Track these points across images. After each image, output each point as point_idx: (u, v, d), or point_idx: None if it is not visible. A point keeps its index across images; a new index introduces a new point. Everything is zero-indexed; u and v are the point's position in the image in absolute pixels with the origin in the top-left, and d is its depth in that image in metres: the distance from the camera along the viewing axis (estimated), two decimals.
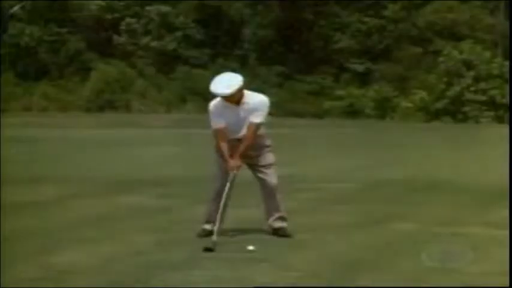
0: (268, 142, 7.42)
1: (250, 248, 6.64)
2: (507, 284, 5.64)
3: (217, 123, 7.22)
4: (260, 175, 7.35)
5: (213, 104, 7.27)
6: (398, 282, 5.66)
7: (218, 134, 7.24)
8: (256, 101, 7.22)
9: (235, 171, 7.20)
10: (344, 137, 28.99)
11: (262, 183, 7.35)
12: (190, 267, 6.02)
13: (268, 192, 7.35)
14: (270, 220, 7.39)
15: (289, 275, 5.80)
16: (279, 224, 7.36)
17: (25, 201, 9.85)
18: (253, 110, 7.15)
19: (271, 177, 7.34)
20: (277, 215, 7.36)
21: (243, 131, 7.23)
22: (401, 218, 8.64)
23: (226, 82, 7.07)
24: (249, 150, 7.22)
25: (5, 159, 15.12)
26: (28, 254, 6.51)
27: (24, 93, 48.79)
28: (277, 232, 7.33)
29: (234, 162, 7.18)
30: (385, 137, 29.47)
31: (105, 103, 48.48)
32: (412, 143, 25.50)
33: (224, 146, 7.21)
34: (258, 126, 7.20)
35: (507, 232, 7.46)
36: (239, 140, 7.24)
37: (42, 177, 12.64)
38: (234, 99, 7.10)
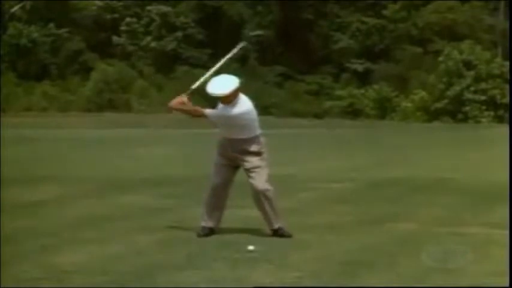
0: (254, 148, 7.35)
1: (250, 248, 6.64)
2: (507, 284, 5.64)
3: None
4: (248, 179, 7.40)
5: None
6: (398, 282, 5.65)
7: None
8: (242, 102, 7.25)
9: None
10: (344, 137, 28.99)
11: (250, 186, 7.39)
12: (190, 267, 6.02)
13: (253, 195, 7.37)
14: (266, 223, 7.43)
15: (289, 275, 5.80)
16: (275, 227, 7.38)
17: (25, 201, 9.85)
18: (224, 108, 7.23)
19: (256, 180, 7.31)
20: (269, 219, 7.38)
21: (240, 132, 7.28)
22: (401, 218, 8.64)
23: (222, 83, 7.18)
24: (187, 114, 7.49)
25: (5, 159, 15.12)
26: (28, 254, 6.50)
27: (24, 93, 48.80)
28: (277, 232, 7.35)
29: (175, 101, 7.51)
30: (385, 137, 29.47)
31: (105, 103, 48.48)
32: (412, 143, 25.50)
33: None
34: (204, 112, 7.31)
35: (507, 232, 7.46)
36: (234, 140, 7.29)
37: (42, 177, 12.64)
38: (228, 99, 7.17)
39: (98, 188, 11.50)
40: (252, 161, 7.32)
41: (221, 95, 7.14)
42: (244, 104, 7.28)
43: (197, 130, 29.95)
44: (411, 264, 6.25)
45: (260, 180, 7.29)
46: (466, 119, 44.80)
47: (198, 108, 7.41)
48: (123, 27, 54.87)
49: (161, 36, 54.41)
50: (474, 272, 5.99)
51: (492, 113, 44.77)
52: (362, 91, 49.48)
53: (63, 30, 53.28)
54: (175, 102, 7.48)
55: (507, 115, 41.36)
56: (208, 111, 7.31)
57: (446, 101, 45.44)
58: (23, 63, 51.52)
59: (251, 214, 8.09)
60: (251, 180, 7.32)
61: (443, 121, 44.56)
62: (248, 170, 7.33)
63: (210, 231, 7.34)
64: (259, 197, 7.32)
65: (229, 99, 7.15)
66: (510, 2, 46.52)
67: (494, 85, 45.24)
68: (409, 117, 46.06)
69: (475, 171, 14.75)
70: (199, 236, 7.28)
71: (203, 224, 7.39)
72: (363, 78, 51.55)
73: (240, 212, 8.21)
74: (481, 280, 5.74)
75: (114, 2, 55.91)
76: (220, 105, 7.27)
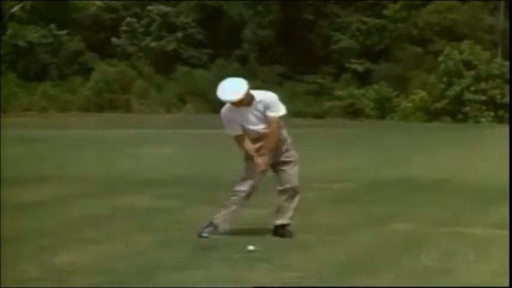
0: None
1: (250, 248, 6.64)
2: (507, 284, 5.64)
3: (234, 130, 7.31)
4: (284, 170, 7.41)
5: (224, 111, 7.34)
6: (398, 282, 5.65)
7: (238, 139, 7.34)
8: (267, 97, 7.30)
9: (263, 168, 7.28)
10: (344, 137, 28.99)
11: (283, 179, 7.40)
12: (190, 267, 6.02)
13: (287, 188, 7.39)
14: (277, 216, 7.44)
15: (289, 275, 5.80)
16: (278, 223, 7.39)
17: (25, 201, 9.85)
18: (268, 107, 7.22)
19: (292, 174, 7.40)
20: (283, 213, 7.40)
21: (261, 129, 7.27)
22: (401, 218, 8.64)
23: (232, 88, 7.15)
24: (273, 147, 7.30)
25: (5, 159, 15.12)
26: (28, 254, 6.50)
27: (25, 93, 48.82)
28: (278, 231, 7.36)
29: (262, 159, 7.24)
30: (385, 137, 29.46)
31: (105, 103, 48.51)
32: (412, 143, 25.49)
33: (248, 145, 7.29)
34: (279, 119, 7.29)
35: (507, 232, 7.46)
36: (258, 139, 7.29)
37: (42, 177, 12.64)
38: (244, 102, 7.17)
39: (98, 188, 11.50)
40: (290, 153, 7.46)
41: (234, 101, 7.12)
42: (271, 93, 7.36)
43: (197, 130, 29.95)
44: (411, 264, 6.25)
45: (295, 175, 7.39)
46: (466, 119, 44.75)
47: (272, 125, 7.28)
48: (123, 28, 54.88)
49: (161, 36, 54.43)
50: (474, 272, 5.99)
51: (492, 113, 44.72)
52: (362, 91, 49.45)
53: (63, 32, 53.28)
54: (263, 160, 7.30)
55: (507, 115, 41.32)
56: (278, 114, 7.27)
57: (446, 101, 45.39)
58: (23, 63, 51.53)
59: (251, 214, 8.09)
60: (290, 171, 7.36)
61: (443, 121, 44.51)
62: (285, 163, 7.39)
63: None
64: (289, 191, 7.36)
65: (244, 102, 7.14)
66: (510, 2, 46.49)
67: (494, 85, 45.18)
68: (409, 117, 46.01)
69: (475, 171, 14.75)
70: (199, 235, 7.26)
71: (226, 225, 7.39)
72: (363, 78, 51.52)
73: (240, 211, 8.20)
74: (481, 280, 5.75)
75: (114, 2, 55.92)
76: (237, 109, 7.21)
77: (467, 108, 45.08)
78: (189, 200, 9.87)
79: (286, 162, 7.42)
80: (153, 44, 54.26)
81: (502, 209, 9.06)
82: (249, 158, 7.36)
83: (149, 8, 55.05)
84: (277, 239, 7.24)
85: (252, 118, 7.23)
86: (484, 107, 44.95)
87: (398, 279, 5.73)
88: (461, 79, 45.57)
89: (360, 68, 53.07)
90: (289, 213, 7.42)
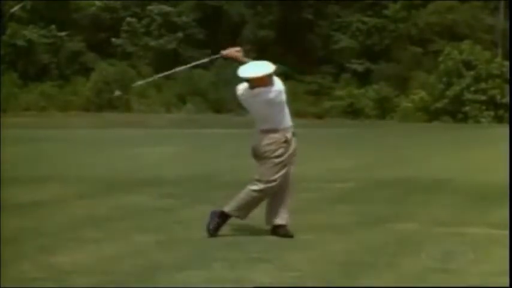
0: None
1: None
2: (507, 284, 5.64)
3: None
4: (289, 169, 7.50)
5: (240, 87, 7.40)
6: (398, 282, 5.65)
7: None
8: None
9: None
10: (344, 137, 29.00)
11: (286, 178, 7.46)
12: (190, 267, 6.02)
13: (288, 187, 7.49)
14: (272, 217, 7.43)
15: (289, 275, 5.80)
16: (278, 222, 7.39)
17: (25, 201, 9.85)
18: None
19: (291, 174, 7.52)
20: (281, 212, 7.41)
21: (270, 121, 7.39)
22: (402, 218, 8.63)
23: (256, 66, 7.26)
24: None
25: (5, 159, 15.12)
26: (28, 254, 6.50)
27: (24, 93, 48.81)
28: (277, 230, 7.36)
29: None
30: (385, 137, 29.47)
31: (104, 103, 48.50)
32: (412, 143, 25.49)
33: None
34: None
35: (507, 232, 7.46)
36: (266, 131, 7.36)
37: (42, 177, 12.64)
38: (263, 82, 7.18)
39: (98, 188, 11.50)
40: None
41: (252, 77, 7.15)
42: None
43: (197, 130, 29.96)
44: (411, 264, 6.25)
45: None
46: (466, 119, 44.80)
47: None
48: (124, 27, 54.90)
49: (161, 35, 54.45)
50: (474, 272, 5.99)
51: (492, 113, 44.77)
52: (362, 91, 49.48)
53: (64, 33, 53.28)
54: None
55: (507, 115, 41.36)
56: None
57: (446, 101, 45.44)
58: (23, 63, 51.54)
59: (251, 214, 8.08)
60: (291, 172, 7.51)
61: (443, 121, 44.55)
62: (291, 163, 7.48)
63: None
64: (290, 191, 7.49)
65: (263, 82, 7.17)
66: (510, 2, 46.53)
67: (494, 85, 45.23)
68: (409, 117, 46.05)
69: (475, 171, 14.74)
70: (210, 235, 7.21)
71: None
72: (363, 78, 51.56)
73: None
74: (481, 280, 5.74)
75: (114, 1, 55.94)
76: (253, 92, 7.25)
77: (467, 108, 45.11)
78: (189, 200, 9.87)
79: (293, 161, 7.40)
80: (153, 43, 54.28)
81: (502, 209, 9.05)
82: (260, 159, 7.36)
83: (150, 7, 55.09)
84: (277, 239, 7.23)
85: (265, 101, 7.25)
86: (484, 107, 45.00)
87: (398, 279, 5.73)
88: (461, 79, 45.62)
89: (360, 68, 53.12)
90: (287, 213, 7.41)
